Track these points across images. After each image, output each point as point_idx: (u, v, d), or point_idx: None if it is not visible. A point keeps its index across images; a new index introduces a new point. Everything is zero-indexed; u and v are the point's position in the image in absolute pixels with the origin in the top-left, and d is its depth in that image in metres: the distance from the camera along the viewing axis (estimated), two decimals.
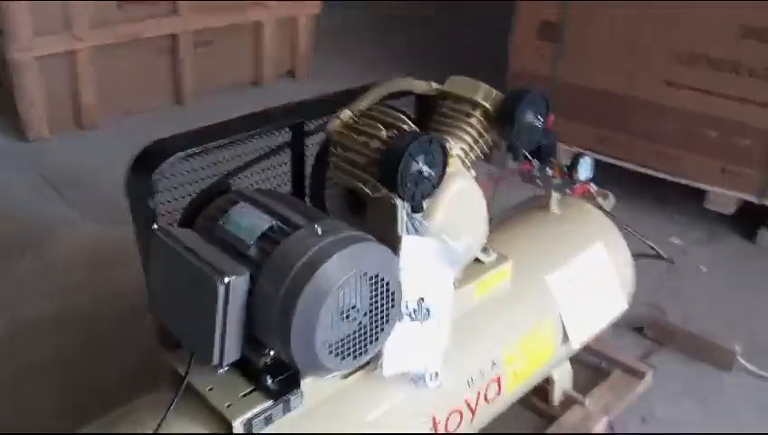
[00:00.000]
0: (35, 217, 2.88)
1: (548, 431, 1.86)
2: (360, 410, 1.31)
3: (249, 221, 1.16)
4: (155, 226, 1.18)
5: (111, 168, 3.18)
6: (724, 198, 2.90)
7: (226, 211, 1.19)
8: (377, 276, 1.11)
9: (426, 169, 1.22)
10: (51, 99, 3.29)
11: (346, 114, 1.38)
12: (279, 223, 1.14)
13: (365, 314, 1.11)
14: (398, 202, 1.29)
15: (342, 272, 1.06)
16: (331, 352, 1.09)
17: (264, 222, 1.14)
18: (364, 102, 1.40)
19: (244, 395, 1.19)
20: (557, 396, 1.94)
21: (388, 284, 1.13)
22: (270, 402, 1.18)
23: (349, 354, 1.12)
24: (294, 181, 1.49)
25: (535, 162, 1.79)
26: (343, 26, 5.04)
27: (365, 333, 1.13)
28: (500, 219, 1.87)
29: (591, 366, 2.13)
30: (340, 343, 1.10)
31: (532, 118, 1.45)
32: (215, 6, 3.67)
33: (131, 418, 1.20)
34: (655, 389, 2.09)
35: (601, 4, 2.96)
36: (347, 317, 1.09)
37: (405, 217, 1.29)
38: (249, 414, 1.15)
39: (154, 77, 3.67)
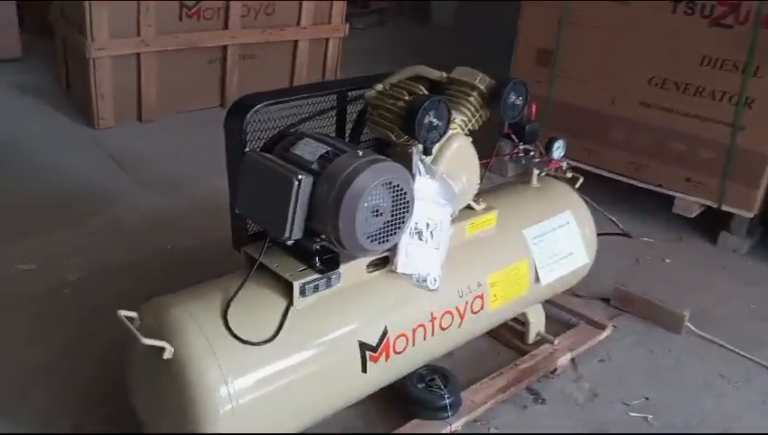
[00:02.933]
0: (105, 187, 3.42)
1: (520, 361, 2.33)
2: (378, 296, 1.80)
3: (312, 147, 1.67)
4: (247, 150, 1.69)
5: (164, 153, 3.82)
6: (688, 203, 3.40)
7: (295, 143, 1.71)
8: (397, 186, 1.61)
9: (435, 120, 1.74)
10: (118, 94, 3.86)
11: (379, 86, 1.91)
12: (332, 149, 1.65)
13: (389, 213, 1.61)
14: (414, 149, 1.81)
15: (372, 180, 1.57)
16: (366, 238, 1.59)
17: (321, 148, 1.66)
18: (392, 79, 1.92)
19: (300, 270, 1.69)
20: (532, 335, 2.42)
21: (405, 193, 1.63)
22: (317, 276, 1.68)
23: (377, 241, 1.62)
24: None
25: (520, 145, 2.30)
26: (366, 48, 5.62)
27: (389, 227, 1.63)
28: (488, 191, 2.38)
29: (562, 321, 2.61)
30: (373, 233, 1.60)
31: (514, 98, 1.96)
32: (259, 25, 4.27)
33: (220, 285, 1.69)
34: (613, 340, 2.56)
35: (589, 36, 3.51)
36: (377, 213, 1.60)
37: (418, 160, 1.81)
38: (304, 281, 1.65)
39: (204, 82, 4.25)
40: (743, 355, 2.53)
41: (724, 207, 3.30)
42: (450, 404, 2.01)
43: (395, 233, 1.65)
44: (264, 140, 1.80)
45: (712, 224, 3.43)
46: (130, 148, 3.81)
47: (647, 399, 2.29)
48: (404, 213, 1.65)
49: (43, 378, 2.18)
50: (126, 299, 2.60)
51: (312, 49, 4.62)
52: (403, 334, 1.83)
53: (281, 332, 1.60)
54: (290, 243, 1.61)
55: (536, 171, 2.38)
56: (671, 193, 3.43)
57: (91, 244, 2.96)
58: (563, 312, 2.64)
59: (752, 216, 3.25)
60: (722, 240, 3.38)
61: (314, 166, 1.63)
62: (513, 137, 2.26)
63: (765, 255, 3.29)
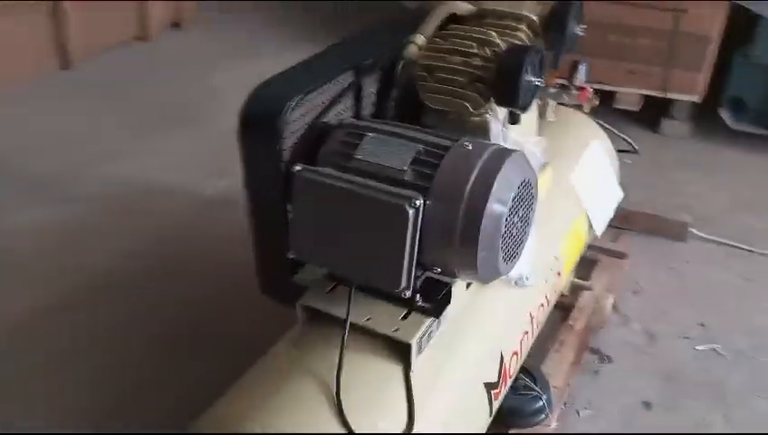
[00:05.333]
0: None
1: (572, 320, 2.06)
2: (482, 318, 1.39)
3: (392, 148, 1.17)
4: (297, 167, 1.15)
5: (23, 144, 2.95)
6: (631, 96, 3.25)
7: (357, 145, 1.19)
8: (529, 182, 1.18)
9: (536, 79, 1.30)
10: None
11: (420, 39, 1.40)
12: (423, 146, 1.16)
13: (519, 219, 1.18)
14: (491, 117, 1.37)
15: (510, 185, 1.13)
16: (503, 259, 1.16)
17: (409, 147, 1.16)
18: (430, 27, 1.42)
19: (403, 318, 1.22)
20: (567, 285, 2.14)
21: (533, 188, 1.21)
22: (431, 320, 1.23)
23: (511, 258, 1.19)
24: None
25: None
26: None
27: (519, 235, 1.20)
28: None
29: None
30: (507, 249, 1.17)
31: (575, 26, 1.56)
32: None
33: (307, 356, 1.19)
34: (633, 265, 2.37)
35: None
36: (513, 225, 1.16)
37: (500, 132, 1.37)
38: (419, 334, 1.19)
39: (38, 42, 3.30)
40: (753, 251, 2.47)
41: (670, 95, 3.19)
42: (546, 403, 1.71)
43: (523, 241, 1.23)
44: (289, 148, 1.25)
45: (649, 112, 3.32)
46: None
47: (702, 325, 2.15)
48: (531, 213, 1.23)
49: None
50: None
51: None
52: (515, 353, 1.46)
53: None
54: (407, 295, 1.13)
55: (552, 103, 2.01)
56: (613, 89, 3.25)
57: None
58: None
59: (697, 99, 3.17)
60: (664, 128, 3.31)
61: (409, 176, 1.14)
62: None
63: (707, 136, 3.26)
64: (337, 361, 1.14)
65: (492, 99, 1.32)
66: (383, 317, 1.22)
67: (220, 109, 3.24)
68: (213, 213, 2.58)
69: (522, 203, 1.16)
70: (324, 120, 1.30)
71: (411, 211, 1.06)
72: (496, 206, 1.09)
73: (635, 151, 2.34)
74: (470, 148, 1.14)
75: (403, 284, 1.11)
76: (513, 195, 1.12)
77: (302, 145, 1.25)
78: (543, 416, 1.70)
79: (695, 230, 2.54)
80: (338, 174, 1.14)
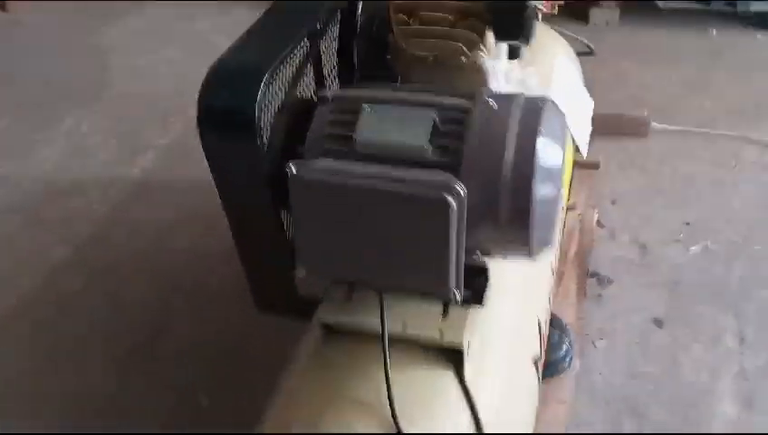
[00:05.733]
0: None
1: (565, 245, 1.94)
2: (515, 291, 1.22)
3: (398, 120, 0.94)
4: (291, 165, 0.91)
5: None
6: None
7: (353, 123, 0.96)
8: (562, 129, 0.99)
9: (539, 3, 1.10)
10: None
11: None
12: (439, 112, 0.94)
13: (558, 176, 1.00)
14: (484, 56, 1.16)
15: (552, 144, 0.93)
16: (550, 227, 0.98)
17: (420, 116, 0.94)
18: None
19: (443, 316, 1.04)
20: None
21: (565, 132, 1.02)
22: (474, 311, 1.05)
23: (554, 222, 1.02)
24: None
25: None
26: None
27: (558, 194, 1.02)
28: None
29: None
30: (553, 215, 0.99)
31: None
32: None
33: (338, 379, 1.00)
34: (604, 173, 2.27)
35: None
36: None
37: (497, 69, 1.17)
38: (468, 332, 1.02)
39: None
40: (715, 133, 2.42)
41: None
42: (570, 347, 1.60)
43: (560, 198, 1.06)
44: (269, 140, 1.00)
45: (573, 5, 3.16)
46: None
47: (688, 224, 2.09)
48: (564, 163, 1.05)
49: None
50: None
51: None
52: (546, 313, 1.32)
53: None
54: (457, 297, 0.94)
55: None
56: None
57: None
58: None
59: None
60: (593, 16, 3.18)
61: (433, 155, 0.92)
62: None
63: (638, 20, 3.16)
64: (378, 379, 0.96)
65: (485, 35, 1.12)
66: (419, 320, 1.03)
67: (114, 74, 2.85)
68: (149, 196, 2.28)
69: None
70: (297, 95, 1.07)
71: (455, 202, 0.85)
72: (544, 173, 0.90)
73: (591, 53, 2.19)
74: (496, 107, 0.93)
75: (452, 285, 0.92)
76: (557, 154, 0.93)
77: (284, 133, 1.01)
78: (569, 360, 1.60)
79: (655, 123, 2.45)
80: (342, 166, 0.91)
